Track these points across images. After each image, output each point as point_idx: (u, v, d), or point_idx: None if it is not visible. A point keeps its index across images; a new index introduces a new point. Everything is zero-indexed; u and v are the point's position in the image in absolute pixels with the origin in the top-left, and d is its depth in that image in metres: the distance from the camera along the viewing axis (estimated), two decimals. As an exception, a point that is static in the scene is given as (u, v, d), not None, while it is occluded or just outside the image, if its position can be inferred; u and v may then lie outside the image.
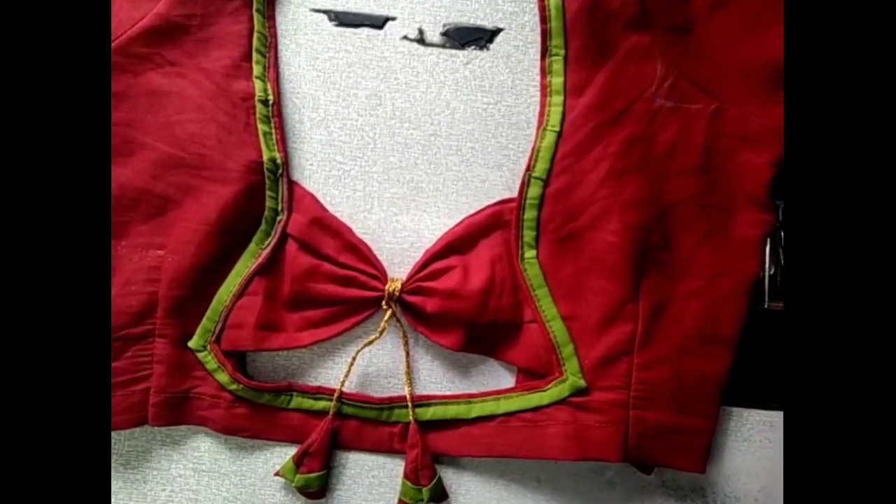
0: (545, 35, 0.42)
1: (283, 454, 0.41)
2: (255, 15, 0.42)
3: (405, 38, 0.43)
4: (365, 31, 0.43)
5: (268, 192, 0.41)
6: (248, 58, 0.42)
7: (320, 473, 0.40)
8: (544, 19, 0.41)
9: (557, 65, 0.41)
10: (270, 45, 0.43)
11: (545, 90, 0.42)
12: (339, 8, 0.43)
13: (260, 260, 0.41)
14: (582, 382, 0.39)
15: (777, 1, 0.41)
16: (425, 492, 0.39)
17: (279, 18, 0.43)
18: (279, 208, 0.41)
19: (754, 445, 0.41)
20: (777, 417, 0.42)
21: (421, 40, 0.43)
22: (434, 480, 0.39)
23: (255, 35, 0.42)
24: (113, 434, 0.41)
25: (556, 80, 0.41)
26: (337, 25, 0.43)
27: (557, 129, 0.41)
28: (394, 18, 0.43)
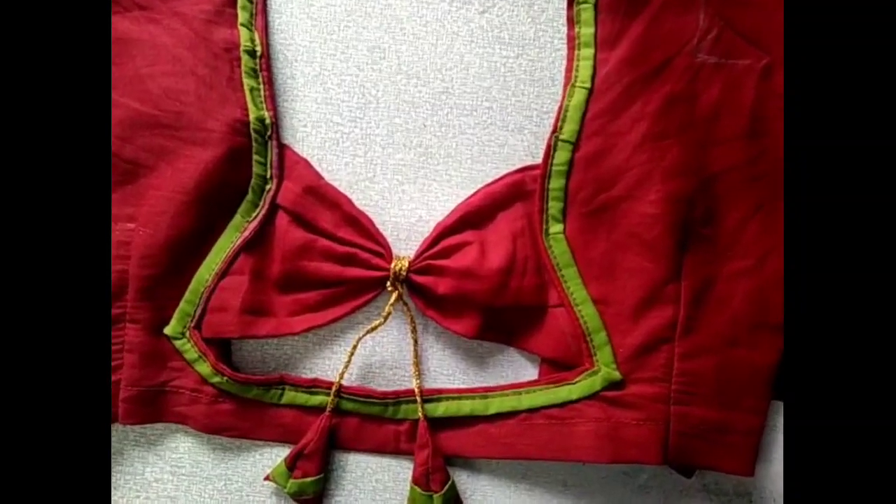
0: (573, -20, 0.36)
1: (275, 456, 0.36)
2: (241, -48, 0.37)
3: (413, -19, 0.38)
4: (366, -27, 0.38)
5: (255, 157, 0.36)
6: (233, 2, 0.37)
7: (316, 478, 0.35)
8: (572, -38, 0.36)
9: (587, 13, 0.36)
10: (258, -12, 0.37)
11: (573, 42, 0.37)
12: (337, -53, 0.38)
13: (246, 234, 0.35)
14: (616, 374, 0.34)
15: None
16: (437, 498, 0.34)
17: (267, -41, 0.38)
18: (268, 175, 0.36)
19: (807, 445, 0.37)
20: (832, 413, 0.37)
21: (430, -15, 0.38)
22: (447, 486, 0.35)
23: (240, -23, 0.36)
24: (77, 434, 0.36)
25: (586, 31, 0.36)
26: (334, -33, 0.38)
27: (588, 85, 0.36)
28: (399, -41, 0.38)
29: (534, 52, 0.38)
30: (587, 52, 0.36)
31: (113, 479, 0.36)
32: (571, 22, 0.37)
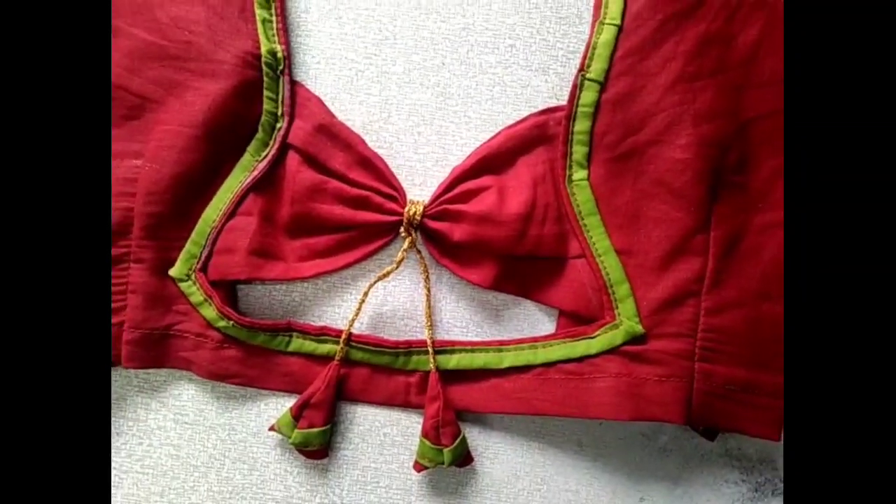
0: None
1: (280, 405, 0.35)
2: None
3: (434, -89, 0.36)
4: None
5: (266, 93, 0.34)
6: (245, -72, 0.35)
7: (322, 429, 0.33)
8: None
9: (618, -54, 0.34)
10: (271, -87, 0.35)
11: (602, -24, 0.35)
12: None
13: (255, 174, 0.34)
14: (639, 328, 0.33)
15: None
16: (447, 453, 0.33)
17: None
18: (279, 112, 0.34)
19: (838, 410, 0.35)
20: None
21: (453, -85, 0.36)
22: (457, 440, 0.33)
23: None
24: (79, 375, 0.35)
25: (617, -37, 0.34)
26: None
27: (618, 22, 0.34)
28: None
29: (560, -14, 0.36)
30: (618, -14, 0.34)
31: (115, 426, 0.35)
32: (602, -44, 0.35)
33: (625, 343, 0.33)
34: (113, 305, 0.34)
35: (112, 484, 0.35)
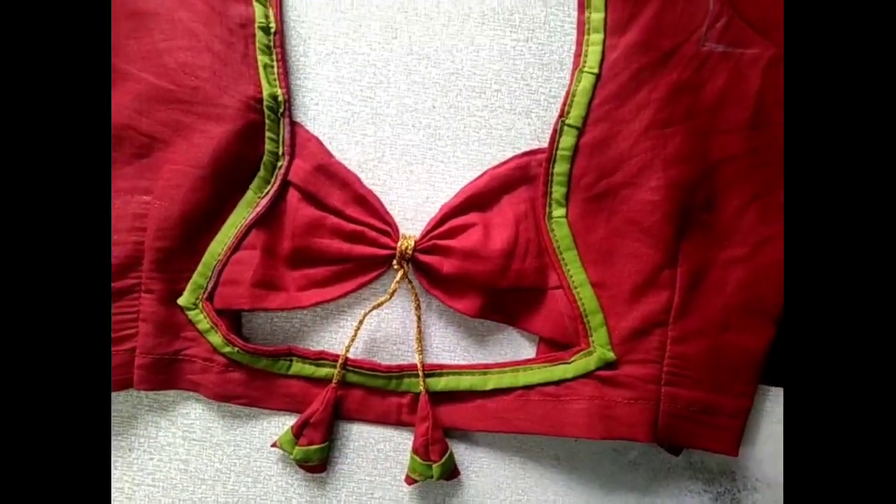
0: (585, -36, 0.37)
1: (282, 424, 0.37)
2: (255, -73, 0.37)
3: (425, -38, 0.38)
4: (380, -48, 0.38)
5: (267, 134, 0.36)
6: (247, -22, 0.37)
7: (321, 446, 0.36)
8: (585, -55, 0.37)
9: (598, -1, 0.37)
10: (272, -36, 0.37)
11: (583, 27, 0.37)
12: (351, -76, 0.38)
13: (258, 210, 0.36)
14: (611, 355, 0.36)
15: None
16: (435, 468, 0.36)
17: (282, -66, 0.38)
18: (280, 152, 0.37)
19: (792, 427, 0.38)
20: (818, 398, 0.38)
21: (443, -35, 0.38)
22: (445, 456, 0.36)
23: (255, -49, 0.37)
24: (94, 397, 0.37)
25: (596, 16, 0.37)
26: (348, -55, 0.38)
27: (596, 70, 0.36)
28: (413, -61, 0.38)
29: (543, 35, 0.38)
30: (596, 38, 0.37)
31: (127, 443, 0.38)
32: (582, 6, 0.37)
33: (598, 368, 0.36)
34: (124, 333, 0.36)
35: (125, 496, 0.38)
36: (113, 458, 0.38)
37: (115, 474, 0.38)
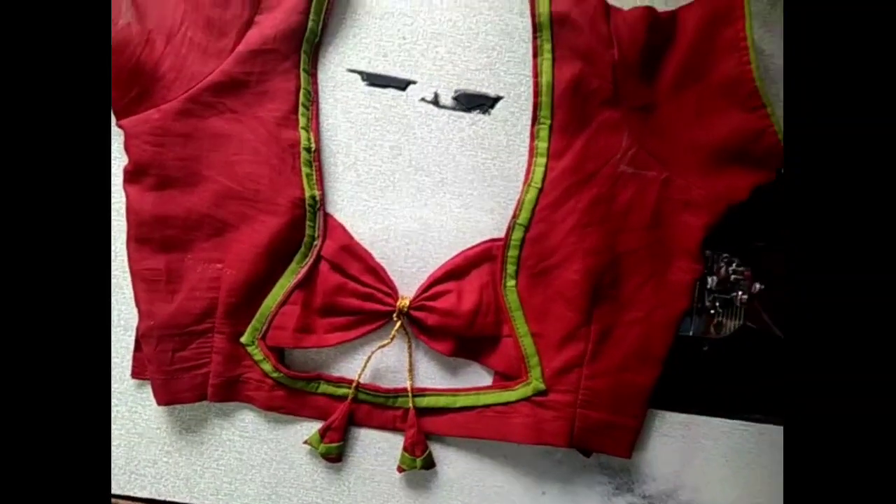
0: (536, 107, 0.52)
1: (311, 427, 0.53)
2: (302, 74, 0.52)
3: (423, 99, 0.53)
4: (391, 91, 0.53)
5: (307, 223, 0.51)
6: (296, 111, 0.51)
7: (339, 444, 0.52)
8: (536, 93, 0.52)
9: (544, 132, 0.52)
10: (313, 100, 0.52)
11: (532, 152, 0.52)
12: (371, 70, 0.53)
13: (299, 276, 0.51)
14: (542, 386, 0.51)
15: (727, 92, 0.51)
16: (419, 461, 0.51)
17: (321, 76, 0.53)
18: (316, 235, 0.52)
19: (671, 439, 0.54)
20: (690, 419, 0.54)
21: (436, 102, 0.53)
22: (426, 453, 0.52)
23: (302, 91, 0.51)
24: (179, 406, 0.52)
25: (542, 145, 0.52)
26: (368, 85, 0.53)
27: (539, 185, 0.51)
28: (415, 82, 0.53)
29: (505, 156, 0.53)
30: (541, 161, 0.52)
31: (199, 438, 0.53)
32: (533, 137, 0.52)
33: (533, 395, 0.51)
34: (202, 361, 0.51)
35: (197, 476, 0.53)
36: (189, 450, 0.53)
37: (189, 460, 0.53)
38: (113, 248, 0.52)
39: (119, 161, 0.51)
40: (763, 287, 0.52)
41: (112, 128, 0.51)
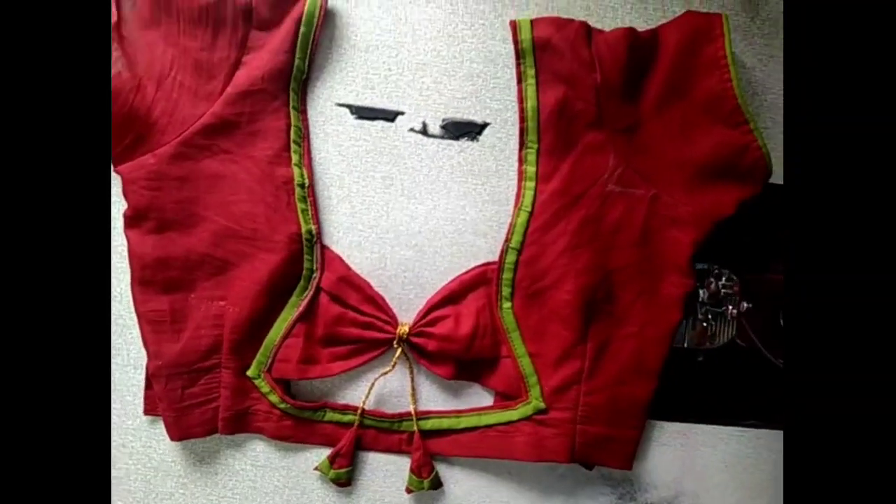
0: (522, 132, 0.53)
1: (320, 454, 0.54)
2: (292, 111, 0.53)
3: (412, 129, 0.54)
4: (379, 123, 0.54)
5: (305, 256, 0.52)
6: (288, 148, 0.53)
7: (348, 469, 0.53)
8: (522, 119, 0.53)
9: (531, 156, 0.53)
10: (304, 136, 0.54)
11: (521, 176, 0.53)
12: (359, 103, 0.54)
13: (300, 309, 0.53)
14: (542, 404, 0.52)
15: (710, 109, 0.51)
16: (426, 482, 0.53)
17: (310, 112, 0.54)
18: (314, 268, 0.53)
19: (670, 448, 0.56)
20: (688, 427, 0.56)
21: (424, 132, 0.54)
22: (432, 474, 0.53)
23: (292, 128, 0.53)
24: (192, 441, 0.54)
25: (530, 169, 0.53)
26: (357, 118, 0.54)
27: (529, 209, 0.52)
28: (403, 113, 0.54)
29: (495, 181, 0.54)
30: (530, 184, 0.53)
31: (213, 469, 0.54)
32: (521, 161, 0.54)
33: (534, 413, 0.53)
34: (211, 396, 0.52)
35: (212, 505, 0.55)
36: (204, 481, 0.55)
37: (205, 491, 0.55)
38: (119, 290, 0.54)
39: (118, 205, 0.52)
40: (750, 306, 0.53)
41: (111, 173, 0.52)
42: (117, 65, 0.50)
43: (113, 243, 0.54)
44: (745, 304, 0.53)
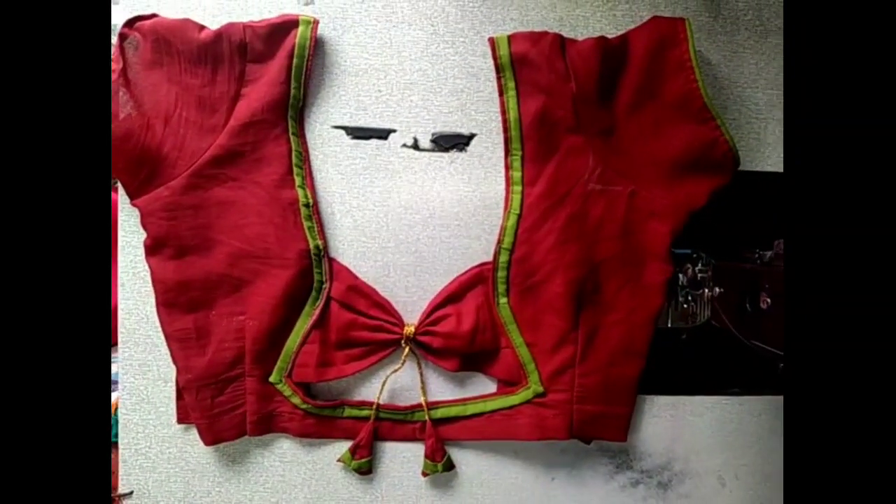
0: (507, 140, 0.57)
1: (342, 447, 0.60)
2: (292, 137, 0.57)
3: (404, 145, 0.58)
4: (374, 141, 0.58)
5: (315, 269, 0.57)
6: (291, 171, 0.57)
7: (368, 458, 0.59)
8: (506, 128, 0.57)
9: (517, 162, 0.57)
10: (305, 159, 0.58)
11: (508, 182, 0.58)
12: (353, 124, 0.58)
13: (314, 318, 0.57)
14: (541, 388, 0.58)
15: (679, 108, 0.55)
16: (440, 465, 0.58)
17: (309, 136, 0.58)
18: (324, 279, 0.58)
19: (661, 419, 0.61)
20: (676, 399, 0.61)
21: (416, 146, 0.58)
22: (445, 457, 0.59)
23: (294, 153, 0.57)
24: (224, 444, 0.59)
25: (516, 174, 0.57)
26: (353, 138, 0.58)
27: (518, 212, 0.57)
28: (395, 130, 0.58)
29: (485, 187, 0.59)
30: (517, 189, 0.57)
31: (244, 468, 0.60)
32: (507, 168, 0.58)
33: (534, 397, 0.58)
34: (238, 402, 0.57)
35: (246, 499, 0.60)
36: (237, 479, 0.60)
37: (238, 487, 0.60)
38: (145, 312, 0.58)
39: (138, 235, 0.57)
40: (722, 291, 0.58)
41: (128, 207, 0.56)
42: (126, 107, 0.54)
43: (136, 270, 0.58)
44: (718, 290, 0.58)
